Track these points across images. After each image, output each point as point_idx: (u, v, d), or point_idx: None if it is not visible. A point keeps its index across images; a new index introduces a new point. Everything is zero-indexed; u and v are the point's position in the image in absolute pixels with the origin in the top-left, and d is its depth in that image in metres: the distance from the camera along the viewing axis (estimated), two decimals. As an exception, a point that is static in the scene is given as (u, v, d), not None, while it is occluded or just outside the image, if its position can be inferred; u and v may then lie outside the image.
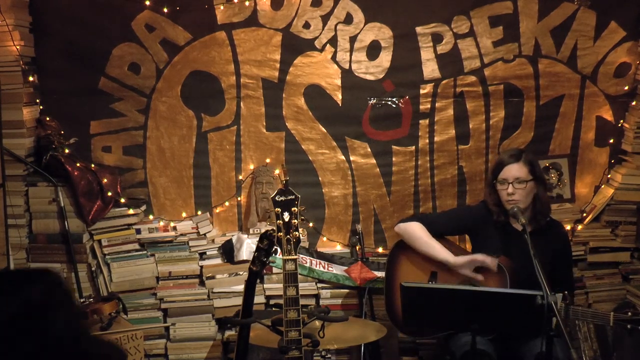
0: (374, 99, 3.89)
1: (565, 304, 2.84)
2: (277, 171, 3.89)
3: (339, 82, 3.87)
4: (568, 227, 3.74)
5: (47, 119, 3.74)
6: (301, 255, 3.78)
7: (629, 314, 2.73)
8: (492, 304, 2.57)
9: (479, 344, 2.67)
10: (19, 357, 1.21)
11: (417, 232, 3.24)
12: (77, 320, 1.35)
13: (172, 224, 3.85)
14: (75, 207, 3.68)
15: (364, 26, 3.81)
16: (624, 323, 2.72)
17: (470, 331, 2.57)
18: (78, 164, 3.69)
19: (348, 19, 3.81)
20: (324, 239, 4.01)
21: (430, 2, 3.83)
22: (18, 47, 3.54)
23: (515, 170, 3.08)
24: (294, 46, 3.83)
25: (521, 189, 3.06)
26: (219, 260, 3.85)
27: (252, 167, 3.94)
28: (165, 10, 3.75)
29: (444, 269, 3.19)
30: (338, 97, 3.89)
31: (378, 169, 3.96)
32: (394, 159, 3.95)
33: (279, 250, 2.52)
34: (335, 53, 3.84)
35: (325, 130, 3.92)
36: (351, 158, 3.94)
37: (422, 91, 3.89)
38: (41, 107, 3.78)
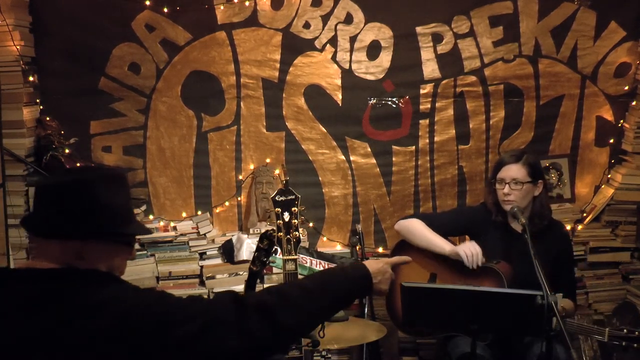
0: (374, 99, 3.89)
1: (562, 316, 2.83)
2: (277, 171, 3.89)
3: (339, 82, 3.87)
4: (568, 227, 3.72)
5: (47, 119, 3.74)
6: (301, 255, 3.77)
7: (625, 330, 2.70)
8: (492, 304, 2.56)
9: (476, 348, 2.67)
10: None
11: (416, 226, 3.20)
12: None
13: (172, 224, 3.85)
14: (75, 207, 3.67)
15: (364, 26, 3.81)
16: (618, 340, 2.70)
17: (470, 331, 2.56)
18: (78, 164, 3.69)
19: (348, 19, 3.81)
20: (324, 239, 4.01)
21: (430, 2, 3.83)
22: (18, 47, 3.54)
23: (513, 170, 3.04)
24: (294, 46, 3.83)
25: (517, 191, 3.00)
26: (219, 260, 3.84)
27: (252, 167, 3.94)
28: (165, 10, 3.75)
29: (444, 270, 3.18)
30: (338, 97, 3.89)
31: (378, 169, 3.96)
32: (394, 159, 3.95)
33: (279, 250, 2.52)
34: (335, 53, 3.84)
35: (325, 130, 3.92)
36: (351, 158, 3.94)
37: (422, 91, 3.89)
38: (41, 107, 3.78)
